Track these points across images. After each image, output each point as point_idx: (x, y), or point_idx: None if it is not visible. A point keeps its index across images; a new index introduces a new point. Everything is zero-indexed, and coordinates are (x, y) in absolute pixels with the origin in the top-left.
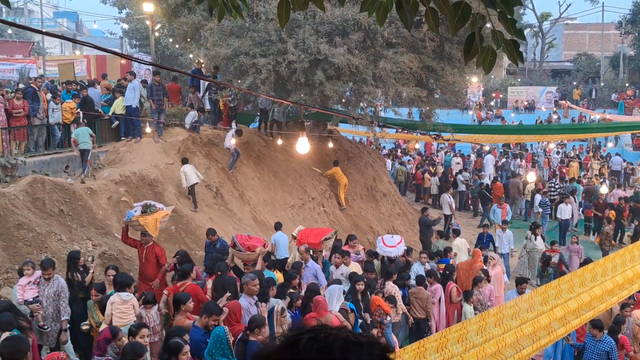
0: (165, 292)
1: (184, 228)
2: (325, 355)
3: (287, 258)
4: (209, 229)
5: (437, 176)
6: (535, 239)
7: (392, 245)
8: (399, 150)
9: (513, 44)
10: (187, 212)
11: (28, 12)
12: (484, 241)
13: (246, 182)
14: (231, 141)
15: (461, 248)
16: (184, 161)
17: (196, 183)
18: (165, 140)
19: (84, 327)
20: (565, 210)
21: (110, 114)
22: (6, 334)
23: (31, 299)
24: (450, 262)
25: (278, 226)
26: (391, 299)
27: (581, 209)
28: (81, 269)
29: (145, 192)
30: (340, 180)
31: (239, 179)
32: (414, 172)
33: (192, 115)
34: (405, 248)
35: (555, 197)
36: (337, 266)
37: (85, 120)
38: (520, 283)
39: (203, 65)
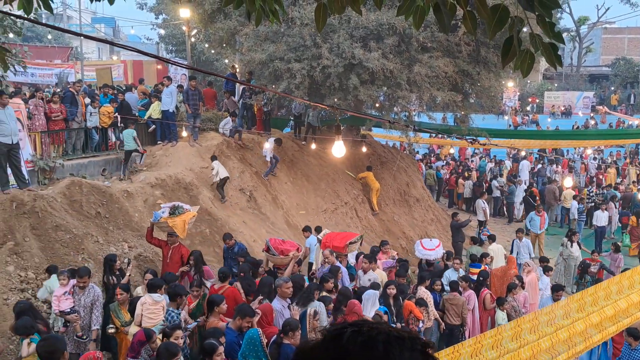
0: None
1: (218, 231)
2: (369, 349)
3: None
4: (226, 233)
5: (470, 181)
6: (572, 245)
7: (431, 249)
8: (433, 155)
9: (552, 47)
10: (222, 215)
11: (67, 17)
12: (520, 247)
13: (279, 186)
14: (270, 149)
15: (498, 254)
16: (213, 158)
17: (227, 177)
18: (200, 144)
19: (110, 330)
20: (602, 217)
21: (146, 118)
22: (27, 341)
23: (68, 309)
24: (482, 267)
25: (307, 229)
26: (420, 302)
27: (618, 216)
28: (117, 272)
29: (181, 195)
30: (373, 185)
31: (272, 183)
32: (447, 177)
33: (226, 121)
34: (445, 252)
35: (591, 204)
36: (365, 271)
37: (122, 124)
38: (557, 290)
39: (237, 71)
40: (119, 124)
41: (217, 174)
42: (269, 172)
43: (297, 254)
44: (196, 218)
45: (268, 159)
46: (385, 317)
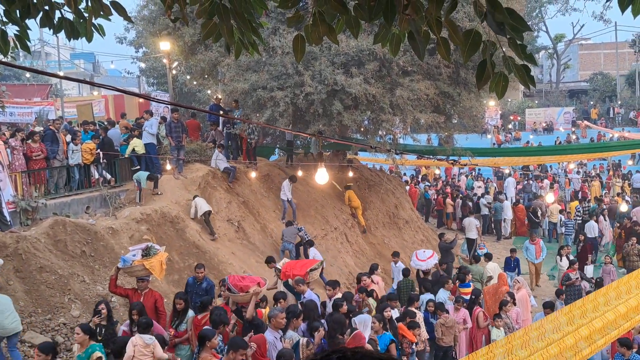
0: (171, 334)
1: (207, 264)
2: None
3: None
4: (198, 264)
5: (458, 199)
6: (561, 260)
7: (422, 259)
8: (419, 177)
9: (524, 69)
10: (210, 247)
11: (45, 54)
12: (512, 265)
13: (268, 215)
14: (288, 190)
15: (495, 272)
16: (194, 198)
17: (209, 211)
18: (185, 177)
19: None
20: (593, 228)
21: (127, 154)
22: None
23: None
24: (471, 286)
25: (271, 259)
26: (413, 324)
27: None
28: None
29: (167, 229)
30: (354, 203)
31: (260, 212)
32: (435, 197)
33: (216, 155)
34: (437, 261)
35: (580, 220)
36: (330, 297)
37: (105, 160)
38: (546, 307)
39: (221, 101)
40: (101, 160)
41: (196, 211)
42: (294, 217)
43: (258, 289)
44: (185, 251)
45: (286, 198)
46: (392, 344)
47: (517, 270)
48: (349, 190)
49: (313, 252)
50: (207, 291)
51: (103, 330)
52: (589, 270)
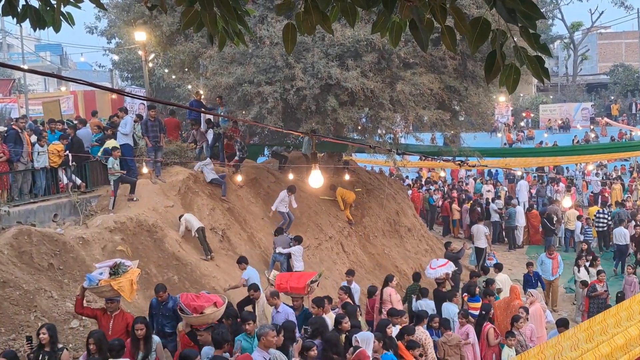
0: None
1: (188, 277)
2: None
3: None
4: (159, 285)
5: (465, 204)
6: (579, 270)
7: (433, 267)
8: (423, 180)
9: (538, 61)
10: (191, 259)
11: (7, 46)
12: (532, 282)
13: (255, 223)
14: (285, 200)
15: (505, 284)
16: (180, 217)
17: (202, 227)
18: (164, 181)
19: None
20: (624, 235)
21: (98, 155)
22: None
23: None
24: (480, 300)
25: (244, 260)
26: (412, 344)
27: None
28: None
29: (144, 240)
30: (348, 198)
31: (247, 219)
32: (440, 202)
33: (205, 163)
34: (449, 271)
35: (604, 227)
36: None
37: (74, 163)
38: (560, 326)
39: (203, 97)
40: (70, 163)
41: (185, 229)
42: (287, 228)
43: (216, 310)
44: (164, 263)
45: (284, 210)
46: None
47: (540, 286)
48: (338, 188)
49: (299, 265)
50: (175, 311)
51: (46, 358)
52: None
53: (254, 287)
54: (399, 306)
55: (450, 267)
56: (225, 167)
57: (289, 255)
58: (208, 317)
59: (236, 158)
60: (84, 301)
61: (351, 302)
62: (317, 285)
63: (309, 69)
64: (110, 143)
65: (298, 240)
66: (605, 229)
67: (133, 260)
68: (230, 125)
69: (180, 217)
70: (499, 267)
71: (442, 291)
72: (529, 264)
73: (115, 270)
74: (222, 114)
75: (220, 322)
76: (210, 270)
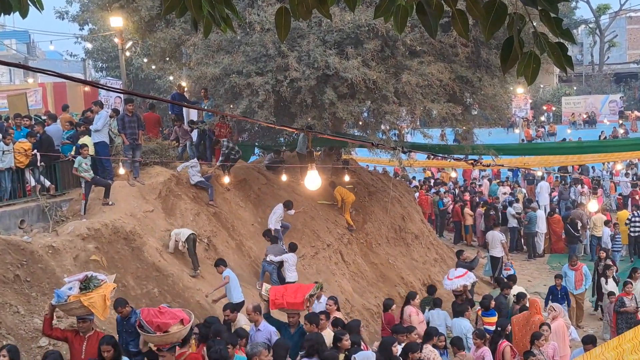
0: None
1: (170, 290)
2: None
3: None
4: (118, 299)
5: (479, 208)
6: (607, 282)
7: (451, 278)
8: (432, 181)
9: (560, 48)
10: (173, 270)
11: None
12: (559, 297)
13: (245, 229)
14: (279, 217)
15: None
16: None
17: (192, 235)
18: (142, 183)
19: None
20: None
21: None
22: None
23: None
24: (496, 315)
25: (223, 262)
26: None
27: None
28: None
29: (120, 248)
30: (348, 199)
31: (235, 226)
32: (451, 206)
33: (192, 164)
34: (467, 283)
35: (637, 233)
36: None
37: (43, 163)
38: (587, 343)
39: (186, 90)
40: (38, 164)
41: (180, 239)
42: (281, 242)
43: (182, 328)
44: (143, 275)
45: (272, 227)
46: None
47: (566, 302)
48: (337, 187)
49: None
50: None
51: None
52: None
53: (229, 308)
54: (421, 328)
55: (470, 279)
56: (212, 168)
57: (280, 265)
58: (173, 336)
59: (222, 158)
60: (54, 321)
61: (341, 317)
62: (317, 299)
63: (304, 58)
64: (83, 140)
65: (292, 248)
66: (638, 234)
67: (108, 271)
68: (217, 121)
69: (170, 234)
70: (513, 280)
71: (461, 305)
72: (557, 277)
73: (86, 285)
74: (207, 108)
75: (215, 338)
76: (194, 283)
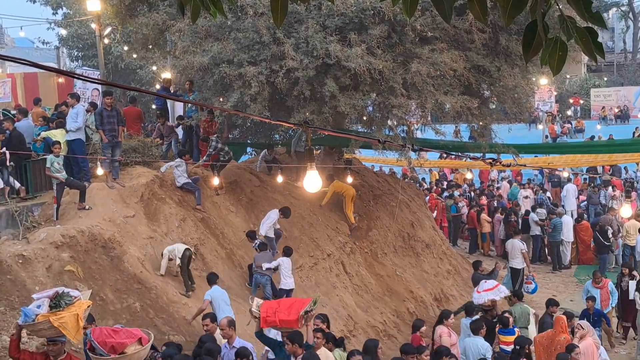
0: None
1: (153, 304)
2: None
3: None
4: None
5: (497, 213)
6: None
7: (479, 291)
8: (445, 183)
9: (589, 33)
10: (157, 282)
11: None
12: (591, 320)
13: (236, 237)
14: (273, 222)
15: (521, 317)
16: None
17: (188, 250)
18: (123, 184)
19: None
20: None
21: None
22: None
23: None
24: (516, 333)
25: (212, 278)
26: None
27: None
28: None
29: (98, 258)
30: (347, 193)
31: (225, 233)
32: (465, 211)
33: (177, 164)
34: (496, 298)
35: None
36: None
37: (12, 163)
38: None
39: (172, 83)
40: (7, 163)
41: (175, 256)
42: (274, 252)
43: (140, 349)
44: (123, 287)
45: (263, 233)
46: None
47: (605, 322)
48: (335, 181)
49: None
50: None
51: None
52: None
53: (210, 317)
54: (454, 350)
55: (500, 293)
56: (195, 165)
57: (273, 270)
58: (130, 358)
59: (206, 157)
60: (24, 339)
61: (330, 331)
62: (313, 315)
63: (302, 46)
64: (55, 133)
65: (287, 252)
66: None
67: (85, 283)
68: (204, 117)
69: (162, 253)
70: (518, 296)
71: (476, 322)
72: (590, 299)
73: (56, 303)
74: (194, 101)
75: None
76: (180, 296)
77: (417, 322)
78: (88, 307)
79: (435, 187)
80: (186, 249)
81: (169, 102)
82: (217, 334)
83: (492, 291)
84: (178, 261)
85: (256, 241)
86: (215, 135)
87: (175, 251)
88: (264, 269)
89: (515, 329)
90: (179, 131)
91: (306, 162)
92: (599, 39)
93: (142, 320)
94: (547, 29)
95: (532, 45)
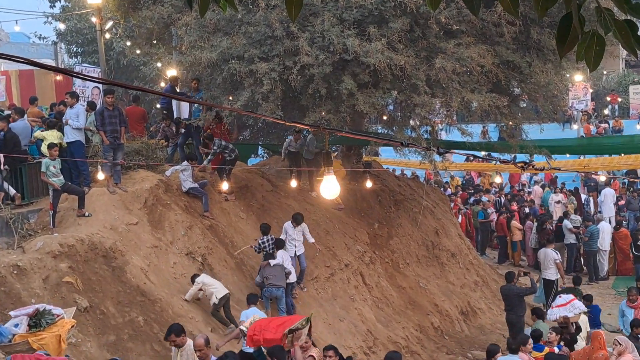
0: None
1: (157, 318)
2: None
3: None
4: None
5: (529, 220)
6: None
7: (554, 306)
8: (471, 187)
9: (629, 26)
10: (162, 294)
11: None
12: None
13: (246, 245)
14: (305, 238)
15: (583, 327)
16: (194, 277)
17: (227, 294)
18: (125, 190)
19: None
20: None
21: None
22: None
23: None
24: (545, 350)
25: (252, 299)
26: None
27: None
28: None
29: (99, 268)
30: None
31: (235, 241)
32: (494, 218)
33: (183, 167)
34: (570, 315)
35: None
36: None
37: (7, 166)
38: None
39: (179, 81)
40: (2, 167)
41: (211, 294)
42: (301, 279)
43: None
44: (125, 300)
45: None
46: None
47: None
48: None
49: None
50: None
51: None
52: None
53: (174, 331)
54: None
55: (574, 309)
56: (199, 168)
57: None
58: None
59: (210, 157)
60: None
61: (317, 355)
62: (309, 333)
63: (317, 40)
64: (47, 135)
65: (279, 245)
66: None
67: (84, 295)
68: (211, 117)
69: (192, 278)
70: (537, 314)
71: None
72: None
73: (36, 321)
74: (201, 100)
75: None
76: (185, 310)
77: (493, 347)
78: (72, 327)
79: (461, 192)
80: (227, 294)
81: (174, 102)
82: (189, 344)
83: (565, 307)
84: (215, 300)
85: (255, 246)
86: (217, 139)
87: (215, 292)
88: (272, 264)
89: (546, 348)
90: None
91: (324, 166)
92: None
93: (146, 335)
94: (583, 22)
95: (567, 40)
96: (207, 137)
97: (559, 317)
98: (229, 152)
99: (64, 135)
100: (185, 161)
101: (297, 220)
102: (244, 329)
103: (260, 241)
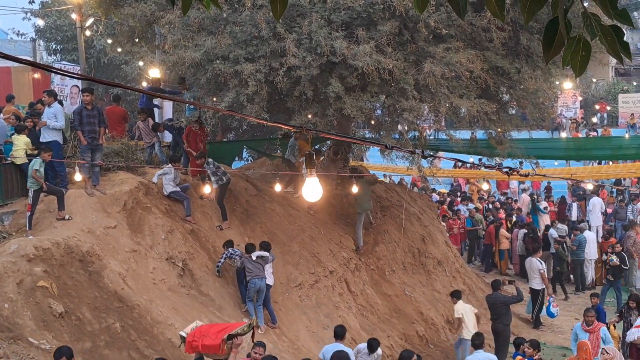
0: None
1: (135, 325)
2: None
3: None
4: None
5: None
6: None
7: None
8: (459, 194)
9: (615, 32)
10: (140, 300)
11: None
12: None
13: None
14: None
15: (467, 314)
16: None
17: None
18: (103, 192)
19: None
20: None
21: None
22: None
23: None
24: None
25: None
26: None
27: None
28: None
29: (75, 273)
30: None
31: (217, 246)
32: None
33: (166, 171)
34: None
35: None
36: None
37: None
38: None
39: (163, 82)
40: None
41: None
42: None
43: None
44: (102, 305)
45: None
46: None
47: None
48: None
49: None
50: None
51: None
52: None
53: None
54: None
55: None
56: (189, 175)
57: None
58: None
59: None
60: None
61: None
62: (251, 340)
63: (304, 42)
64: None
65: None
66: None
67: (59, 300)
68: (194, 118)
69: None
70: (456, 296)
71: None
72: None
73: None
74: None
75: None
76: (165, 316)
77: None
78: None
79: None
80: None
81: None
82: None
83: None
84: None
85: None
86: (201, 151)
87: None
88: (254, 258)
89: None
90: (167, 136)
91: (307, 168)
92: (626, 39)
93: (123, 342)
94: (569, 27)
95: (553, 44)
96: (198, 157)
97: (637, 337)
98: (221, 174)
99: (31, 142)
100: (168, 164)
101: (265, 248)
102: (183, 334)
103: (227, 253)
